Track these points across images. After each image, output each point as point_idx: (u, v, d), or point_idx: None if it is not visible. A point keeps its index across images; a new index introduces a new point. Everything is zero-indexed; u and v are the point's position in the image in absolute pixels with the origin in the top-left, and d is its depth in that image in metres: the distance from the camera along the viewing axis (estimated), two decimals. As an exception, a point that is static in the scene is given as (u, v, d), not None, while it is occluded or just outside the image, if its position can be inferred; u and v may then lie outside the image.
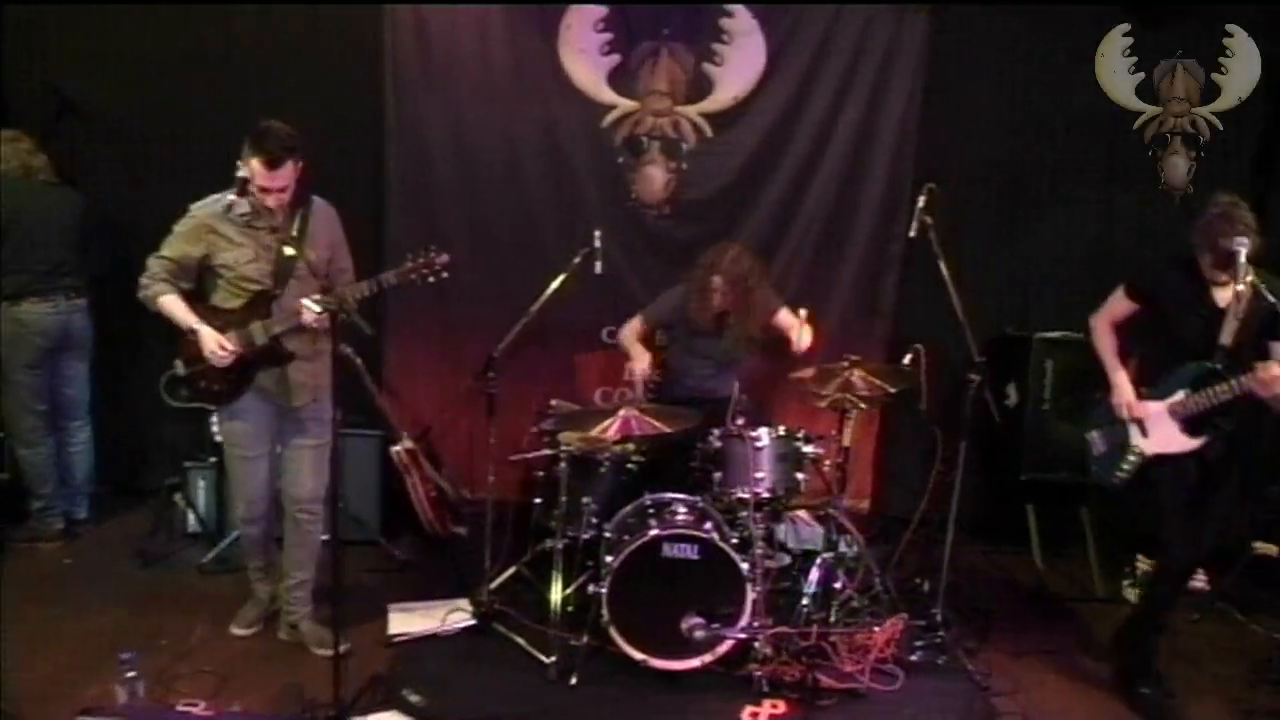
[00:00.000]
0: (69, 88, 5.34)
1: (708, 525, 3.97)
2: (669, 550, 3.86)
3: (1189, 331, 3.73)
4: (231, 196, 3.59)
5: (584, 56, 5.50)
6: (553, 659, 3.87)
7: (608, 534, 4.14)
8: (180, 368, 3.83)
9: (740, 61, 5.52)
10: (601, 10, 5.47)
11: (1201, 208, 3.77)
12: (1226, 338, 3.64)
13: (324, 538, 4.02)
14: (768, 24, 5.48)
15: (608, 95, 5.55)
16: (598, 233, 4.39)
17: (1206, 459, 3.76)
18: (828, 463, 4.45)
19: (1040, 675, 4.12)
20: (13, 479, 5.11)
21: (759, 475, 4.13)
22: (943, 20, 5.46)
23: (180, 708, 3.41)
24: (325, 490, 3.91)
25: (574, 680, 3.78)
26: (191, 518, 5.13)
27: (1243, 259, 3.43)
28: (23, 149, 4.87)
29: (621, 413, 4.20)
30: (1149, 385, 3.86)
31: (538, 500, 4.63)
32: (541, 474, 4.70)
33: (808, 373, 4.47)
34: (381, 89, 5.44)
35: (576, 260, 4.40)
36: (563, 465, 4.26)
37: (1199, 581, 4.87)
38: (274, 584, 4.17)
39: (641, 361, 4.76)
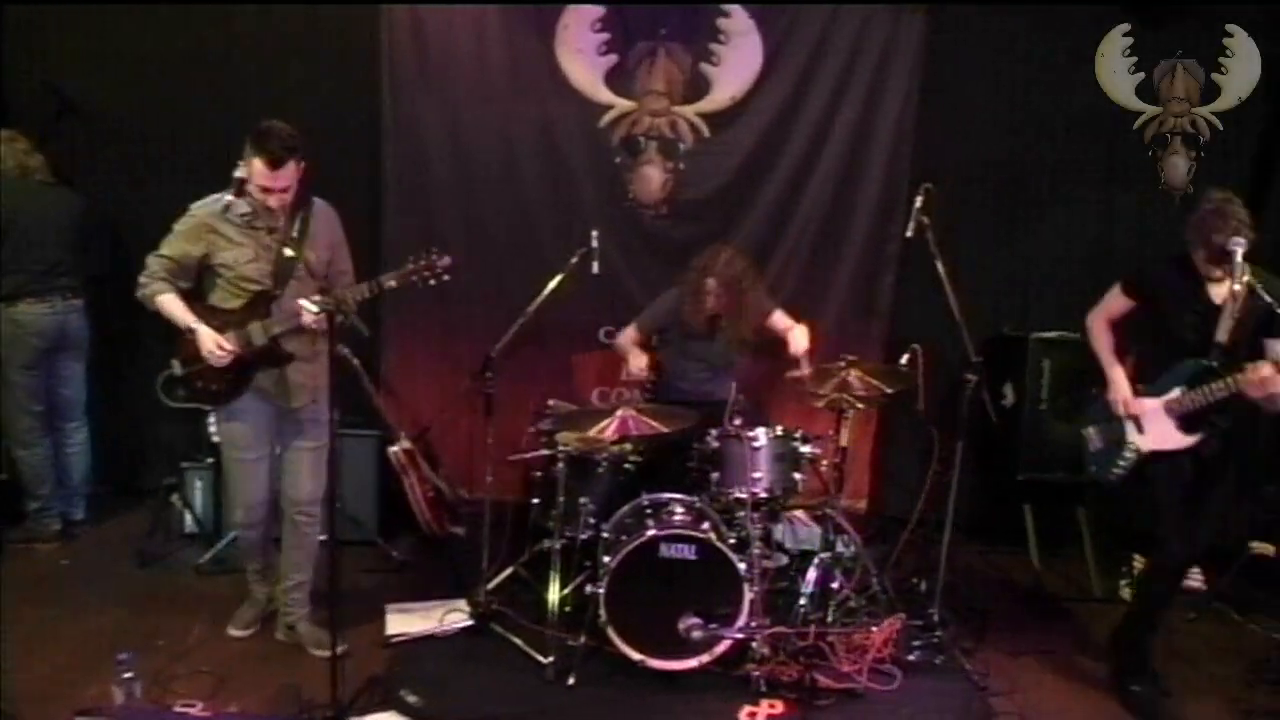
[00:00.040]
0: (68, 88, 5.34)
1: (705, 525, 3.97)
2: (666, 550, 3.86)
3: (1185, 328, 3.73)
4: (229, 197, 3.59)
5: (581, 56, 5.50)
6: (550, 659, 3.87)
7: (605, 534, 4.14)
8: (177, 367, 3.81)
9: (737, 61, 5.52)
10: (599, 10, 5.47)
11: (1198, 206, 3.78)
12: (1223, 335, 3.64)
13: (321, 538, 4.02)
14: (765, 24, 5.48)
15: (605, 95, 5.55)
16: (595, 233, 4.39)
17: (1202, 456, 3.77)
18: (825, 463, 4.45)
19: (1037, 675, 4.13)
20: (10, 480, 5.10)
21: (756, 475, 4.13)
22: (939, 20, 5.46)
23: (178, 708, 3.41)
24: (323, 492, 3.91)
25: (571, 680, 3.78)
26: (189, 518, 5.13)
27: (1239, 258, 3.44)
28: (19, 149, 4.87)
29: (619, 413, 4.20)
30: (1145, 382, 3.87)
31: (535, 500, 4.64)
32: (539, 474, 4.70)
33: (804, 373, 4.47)
34: (378, 89, 5.44)
35: (574, 260, 4.40)
36: (560, 465, 4.26)
37: (1196, 581, 4.87)
38: (271, 585, 4.16)
39: (639, 362, 4.76)
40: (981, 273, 5.52)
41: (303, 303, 3.58)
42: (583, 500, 4.31)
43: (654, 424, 4.16)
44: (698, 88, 5.56)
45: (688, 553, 3.86)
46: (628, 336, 4.94)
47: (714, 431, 4.24)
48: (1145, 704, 3.85)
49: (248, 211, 3.64)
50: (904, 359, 4.36)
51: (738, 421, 4.16)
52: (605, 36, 5.49)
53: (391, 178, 5.53)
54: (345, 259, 3.95)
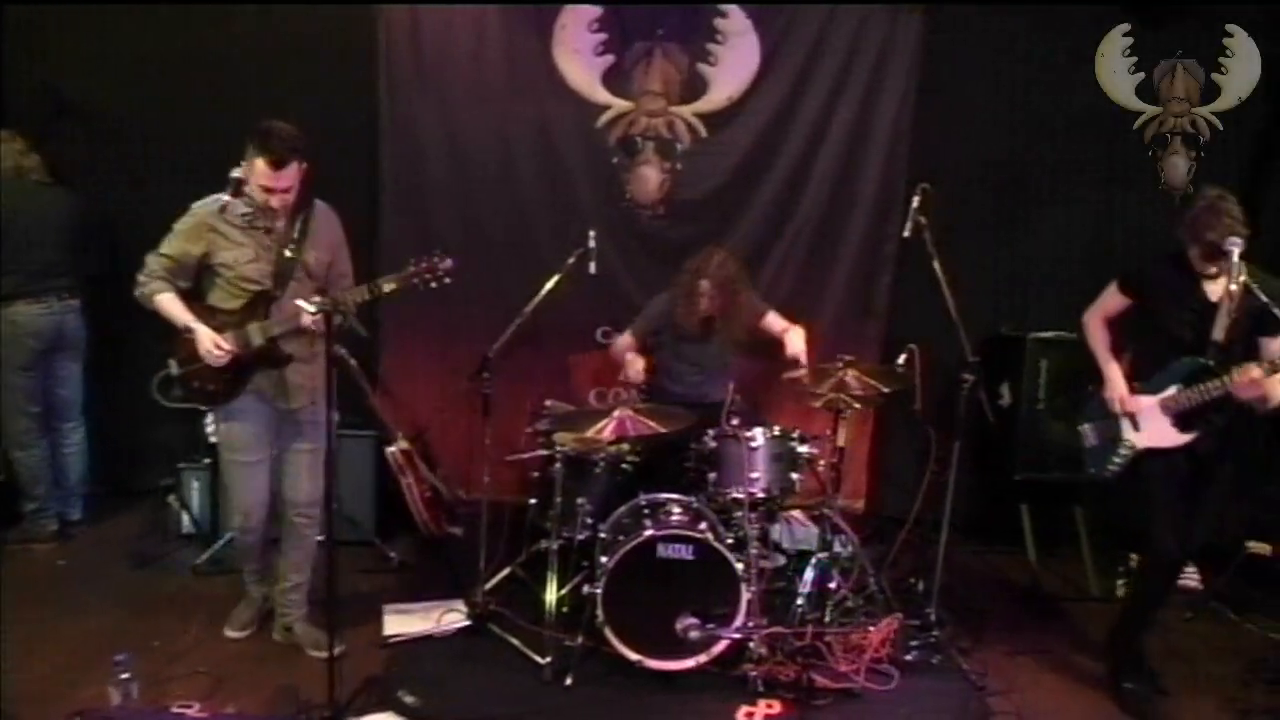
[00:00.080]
0: (66, 88, 5.35)
1: (703, 525, 3.97)
2: (664, 551, 3.86)
3: (1181, 326, 3.74)
4: (225, 197, 3.58)
5: (578, 57, 5.50)
6: (548, 659, 3.87)
7: (603, 534, 4.14)
8: (174, 367, 3.79)
9: (734, 61, 5.52)
10: (596, 10, 5.47)
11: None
12: (1219, 334, 3.65)
13: (319, 539, 4.01)
14: (762, 24, 5.48)
15: (602, 95, 5.55)
16: (592, 233, 4.39)
17: (1198, 453, 3.78)
18: (822, 463, 4.46)
19: (1035, 674, 4.13)
20: (6, 481, 5.08)
21: (754, 475, 4.13)
22: (937, 20, 5.47)
23: (175, 709, 3.42)
24: (321, 493, 3.90)
25: (569, 681, 3.78)
26: (185, 519, 5.12)
27: (1236, 258, 3.44)
28: (15, 149, 4.86)
29: (616, 413, 4.20)
30: (1141, 380, 3.88)
31: (533, 501, 4.64)
32: (537, 474, 4.71)
33: (801, 373, 4.47)
34: (375, 89, 5.44)
35: (571, 261, 4.40)
36: (558, 466, 4.27)
37: (1193, 581, 4.89)
38: (269, 585, 4.15)
39: (636, 367, 4.77)
40: (979, 273, 5.52)
41: (300, 303, 3.56)
42: (580, 500, 4.30)
43: (651, 424, 4.15)
44: (695, 88, 5.56)
45: (685, 553, 3.86)
46: (624, 343, 4.94)
47: (711, 432, 4.25)
48: (1138, 702, 3.86)
49: (248, 211, 3.63)
50: (901, 359, 4.36)
51: (735, 421, 4.16)
52: (602, 37, 5.49)
53: (388, 178, 5.53)
54: (345, 261, 3.94)
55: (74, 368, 5.11)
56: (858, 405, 4.44)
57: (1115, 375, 3.93)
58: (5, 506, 5.07)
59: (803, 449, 4.32)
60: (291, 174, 3.56)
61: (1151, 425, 3.82)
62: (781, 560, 4.65)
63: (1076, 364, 4.33)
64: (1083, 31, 5.54)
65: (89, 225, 5.09)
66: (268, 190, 3.56)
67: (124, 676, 3.28)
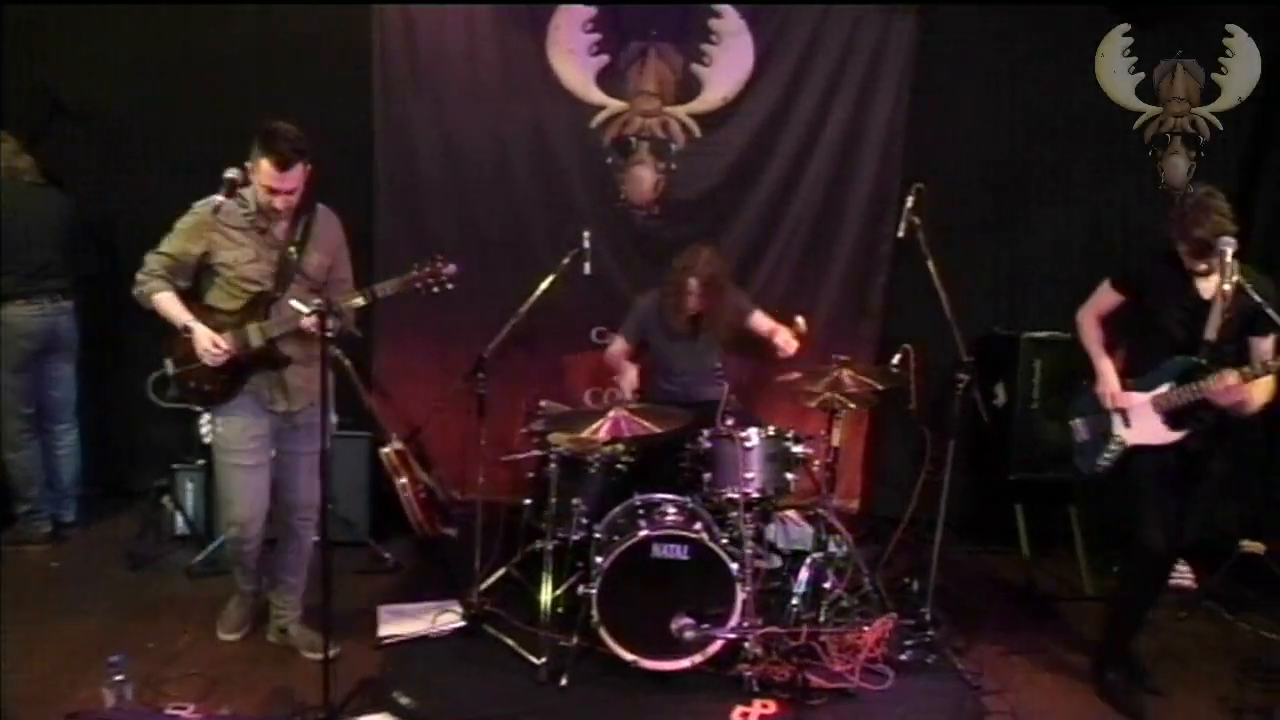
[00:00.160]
0: (63, 88, 5.34)
1: (697, 526, 3.97)
2: (659, 551, 3.86)
3: (1174, 324, 3.75)
4: (218, 198, 3.55)
5: (572, 57, 5.50)
6: (543, 660, 3.87)
7: (598, 535, 4.14)
8: (170, 367, 3.78)
9: (728, 62, 5.53)
10: (590, 11, 5.48)
11: None
12: (1211, 333, 3.67)
13: (313, 539, 4.01)
14: (756, 25, 5.49)
15: (596, 96, 5.55)
16: (587, 233, 4.39)
17: (1188, 450, 3.79)
18: (817, 463, 4.47)
19: (1029, 674, 4.14)
20: (-1, 483, 5.09)
21: (748, 475, 4.13)
22: (931, 20, 5.48)
23: (169, 711, 3.41)
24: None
25: (564, 681, 3.78)
26: (180, 520, 5.10)
27: (1229, 258, 3.45)
28: (8, 150, 4.85)
29: (611, 414, 4.20)
30: (1134, 377, 3.89)
31: (528, 501, 4.64)
32: (532, 475, 4.71)
33: (794, 375, 4.47)
34: (369, 89, 5.43)
35: (565, 261, 4.41)
36: (552, 466, 4.27)
37: (1186, 580, 4.91)
38: (262, 585, 4.13)
39: (631, 376, 4.77)
40: (973, 273, 5.53)
41: (294, 303, 3.56)
42: (575, 501, 4.31)
43: (646, 424, 4.16)
44: (689, 88, 5.57)
45: (680, 553, 3.86)
46: (619, 349, 4.95)
47: (706, 432, 4.25)
48: (1118, 692, 3.89)
49: (250, 212, 3.61)
50: (896, 359, 4.37)
51: (730, 421, 4.16)
52: (597, 37, 5.49)
53: (383, 178, 5.53)
54: (345, 265, 3.91)
55: (67, 369, 5.09)
56: (852, 405, 4.45)
57: (1108, 371, 3.94)
58: (-2, 508, 5.06)
59: (797, 449, 4.33)
60: (297, 175, 3.55)
61: (1142, 422, 3.83)
62: (776, 560, 4.66)
63: (1071, 364, 4.34)
64: (1076, 31, 5.55)
65: (82, 226, 5.08)
66: (272, 191, 3.54)
67: (118, 678, 3.27)
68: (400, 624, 4.23)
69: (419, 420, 5.33)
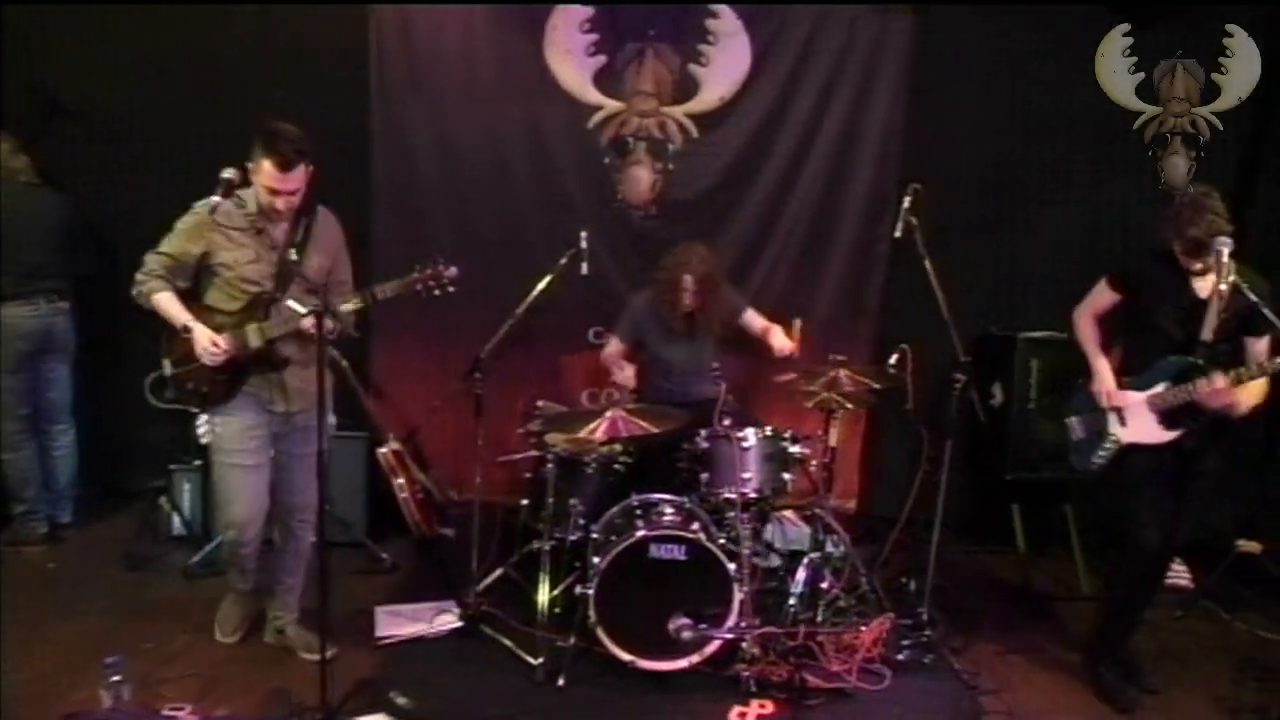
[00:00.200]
0: (61, 88, 5.34)
1: (695, 526, 3.97)
2: (656, 551, 3.86)
3: (1170, 323, 3.76)
4: (215, 199, 3.55)
5: (570, 57, 5.50)
6: (540, 660, 3.87)
7: (595, 535, 4.14)
8: (167, 367, 3.77)
9: (726, 62, 5.52)
10: (587, 11, 5.47)
11: None
12: (1207, 333, 3.68)
13: (311, 540, 4.00)
14: (753, 25, 5.48)
15: (594, 96, 5.54)
16: (584, 234, 4.40)
17: (1184, 450, 3.79)
18: (814, 463, 4.47)
19: (1026, 673, 4.14)
20: (-5, 483, 5.08)
21: (746, 475, 4.14)
22: (928, 20, 5.47)
23: (166, 712, 3.41)
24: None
25: (561, 681, 3.78)
26: (177, 520, 5.10)
27: (1226, 258, 3.45)
28: (4, 150, 4.85)
29: (608, 414, 4.21)
30: (1131, 376, 3.89)
31: (525, 501, 4.64)
32: (529, 475, 4.70)
33: (791, 375, 4.48)
34: (367, 90, 5.42)
35: (563, 261, 4.41)
36: (550, 466, 4.27)
37: (1183, 579, 4.92)
38: (259, 586, 4.12)
39: (627, 374, 4.77)
40: (970, 273, 5.52)
41: (291, 303, 3.55)
42: (572, 501, 4.31)
43: (643, 425, 4.16)
44: (686, 88, 5.57)
45: (677, 553, 3.86)
46: (614, 350, 4.95)
47: (703, 432, 4.25)
48: (1109, 687, 3.90)
49: (250, 212, 3.60)
50: (893, 359, 4.38)
51: (727, 422, 4.16)
52: (594, 37, 5.49)
53: (380, 179, 5.52)
54: (345, 267, 3.90)
55: (63, 370, 5.09)
56: (850, 405, 4.45)
57: (1104, 369, 3.95)
58: (-5, 509, 5.05)
59: (795, 449, 4.33)
60: (299, 176, 3.54)
61: (1138, 421, 3.83)
62: (774, 560, 4.66)
63: (1068, 364, 4.34)
64: (1076, 31, 5.55)
65: (80, 226, 5.08)
66: (274, 192, 3.53)
67: (115, 679, 3.26)
68: (397, 624, 4.23)
69: (416, 421, 5.34)
